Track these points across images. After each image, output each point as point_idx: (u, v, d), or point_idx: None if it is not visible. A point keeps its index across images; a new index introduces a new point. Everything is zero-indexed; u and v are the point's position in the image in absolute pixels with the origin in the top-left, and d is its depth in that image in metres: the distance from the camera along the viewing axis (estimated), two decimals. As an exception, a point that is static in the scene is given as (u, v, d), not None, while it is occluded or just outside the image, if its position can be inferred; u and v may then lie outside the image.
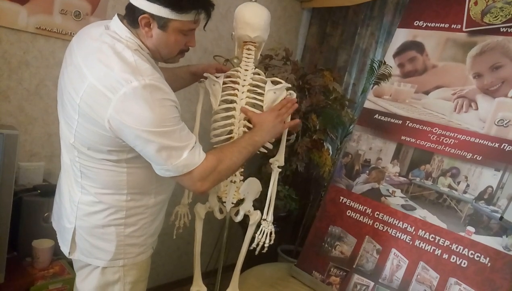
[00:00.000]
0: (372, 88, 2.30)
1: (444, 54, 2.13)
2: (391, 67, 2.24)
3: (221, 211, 1.56)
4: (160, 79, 1.11)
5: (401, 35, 2.28)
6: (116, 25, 1.16)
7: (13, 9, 1.69)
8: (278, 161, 1.59)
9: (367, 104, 2.28)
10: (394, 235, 1.96)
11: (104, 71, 1.06)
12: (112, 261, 1.26)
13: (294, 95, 1.46)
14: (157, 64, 1.24)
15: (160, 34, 1.14)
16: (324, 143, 2.53)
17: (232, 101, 1.44)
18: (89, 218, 1.24)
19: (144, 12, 1.10)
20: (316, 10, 3.03)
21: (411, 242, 1.91)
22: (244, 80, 1.43)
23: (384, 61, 2.26)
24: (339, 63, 2.85)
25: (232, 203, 1.51)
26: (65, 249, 1.31)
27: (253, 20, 1.37)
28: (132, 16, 1.14)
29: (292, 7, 3.00)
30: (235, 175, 1.50)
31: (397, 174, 2.07)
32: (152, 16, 1.10)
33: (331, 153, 2.57)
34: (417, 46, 2.21)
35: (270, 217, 1.59)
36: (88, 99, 1.08)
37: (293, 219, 2.79)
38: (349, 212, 2.14)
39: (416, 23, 2.24)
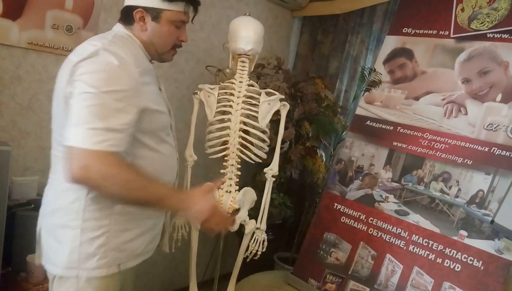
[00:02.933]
0: (363, 95, 2.33)
1: (433, 60, 2.17)
2: (381, 74, 2.27)
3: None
4: (119, 49, 1.10)
5: (391, 42, 2.32)
6: (112, 28, 1.25)
7: (4, 24, 1.69)
8: (272, 169, 1.61)
9: (359, 111, 2.31)
10: (388, 240, 1.98)
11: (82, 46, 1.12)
12: (66, 269, 1.12)
13: (288, 106, 1.48)
14: (151, 63, 1.27)
15: (154, 26, 1.20)
16: (318, 150, 2.55)
17: (227, 113, 1.46)
18: (51, 215, 1.17)
19: (137, 6, 1.18)
20: (307, 18, 3.07)
21: (405, 247, 1.93)
22: (239, 91, 1.45)
23: (374, 68, 2.29)
24: (331, 70, 2.88)
25: (228, 213, 1.52)
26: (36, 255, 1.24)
27: (247, 33, 1.40)
28: (126, 16, 1.21)
29: (283, 16, 3.03)
30: (231, 185, 1.51)
31: (390, 180, 2.10)
32: (146, 9, 1.18)
33: (324, 159, 2.59)
34: (406, 53, 2.24)
35: (264, 226, 1.60)
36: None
37: (289, 226, 2.80)
38: (343, 218, 2.15)
39: (405, 30, 2.28)
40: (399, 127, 2.14)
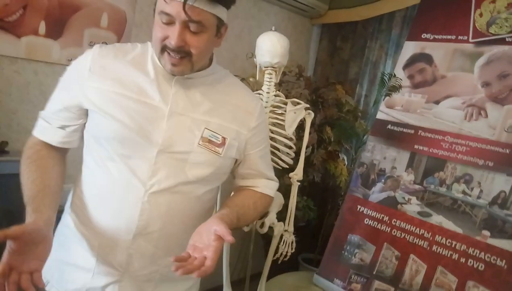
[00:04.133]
0: (383, 99, 2.39)
1: (452, 65, 2.22)
2: (401, 79, 2.33)
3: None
4: (106, 50, 1.01)
5: (410, 48, 2.37)
6: None
7: (47, 44, 1.83)
8: (297, 174, 1.69)
9: (380, 115, 2.37)
10: (411, 241, 2.04)
11: None
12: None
13: (312, 115, 1.57)
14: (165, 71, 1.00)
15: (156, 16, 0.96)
16: (339, 154, 2.62)
17: (254, 122, 1.55)
18: None
19: None
20: (326, 25, 3.15)
21: (428, 248, 1.98)
22: (266, 102, 1.54)
23: (394, 74, 2.35)
24: (350, 75, 2.95)
25: (257, 216, 1.61)
26: None
27: (273, 47, 1.49)
28: None
29: (303, 24, 3.12)
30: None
31: (412, 182, 2.15)
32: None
33: (346, 163, 2.66)
34: (426, 58, 2.30)
35: (291, 228, 1.69)
36: None
37: (312, 228, 2.87)
38: (366, 220, 2.22)
39: (424, 35, 2.33)
40: (420, 131, 2.19)
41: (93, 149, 1.02)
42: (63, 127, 1.03)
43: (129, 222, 0.98)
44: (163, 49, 0.94)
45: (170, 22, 0.91)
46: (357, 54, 2.93)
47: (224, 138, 1.01)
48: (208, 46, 0.96)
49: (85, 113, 1.02)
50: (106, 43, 2.05)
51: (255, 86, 2.50)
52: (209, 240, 0.86)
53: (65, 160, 1.08)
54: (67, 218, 1.07)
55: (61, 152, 1.06)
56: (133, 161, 0.97)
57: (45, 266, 0.93)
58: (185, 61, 0.94)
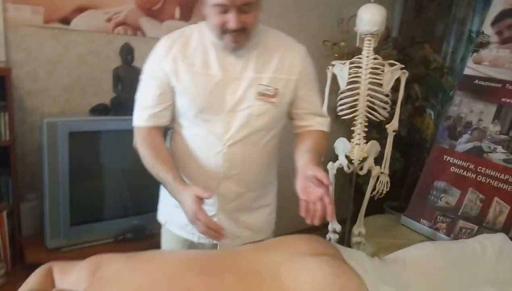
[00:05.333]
0: (471, 56, 2.53)
1: (543, 19, 2.29)
2: (489, 36, 2.45)
3: (348, 167, 2.01)
4: (177, 36, 1.21)
5: (498, 4, 2.46)
6: None
7: (181, 26, 2.24)
8: (392, 125, 1.99)
9: (467, 71, 2.53)
10: (496, 186, 2.25)
11: None
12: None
13: (407, 74, 1.85)
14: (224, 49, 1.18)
15: (205, 10, 1.13)
16: (426, 110, 2.82)
17: (356, 82, 1.86)
18: None
19: None
20: (411, -15, 3.25)
21: (512, 191, 2.18)
22: (367, 64, 1.84)
23: (482, 31, 2.47)
24: (437, 33, 3.07)
25: (359, 160, 1.95)
26: None
27: (373, 17, 1.77)
28: None
29: (388, -15, 3.25)
30: (359, 139, 1.93)
31: (498, 133, 2.32)
32: None
33: (433, 117, 2.85)
34: (516, 14, 2.38)
35: (387, 170, 2.01)
36: None
37: (397, 179, 3.13)
38: (452, 168, 2.45)
39: (514, -9, 2.40)
40: (507, 84, 2.33)
41: (181, 119, 1.25)
42: (164, 109, 1.23)
43: (215, 169, 1.22)
44: (224, 32, 1.10)
45: (224, 10, 1.07)
46: (443, 12, 3.02)
47: (275, 89, 1.20)
48: (258, 17, 1.14)
49: (173, 92, 1.22)
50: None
51: (346, 50, 2.78)
52: (313, 183, 1.04)
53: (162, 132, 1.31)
54: None
55: (161, 130, 1.28)
56: (210, 123, 1.20)
57: (162, 210, 1.37)
58: (243, 37, 1.13)
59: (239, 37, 1.12)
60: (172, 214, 1.32)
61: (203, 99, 1.18)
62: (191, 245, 1.34)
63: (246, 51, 1.19)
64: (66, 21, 1.97)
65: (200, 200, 1.06)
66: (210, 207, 1.24)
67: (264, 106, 1.20)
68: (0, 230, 1.79)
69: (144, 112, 1.23)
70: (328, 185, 1.01)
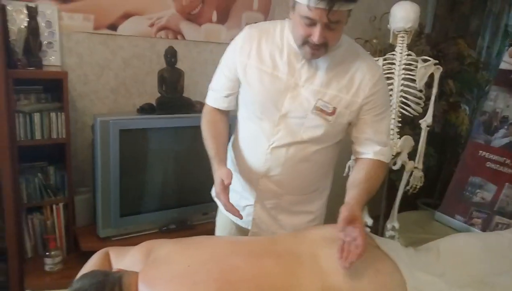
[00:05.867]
0: (507, 50, 2.50)
1: None
2: (526, 29, 2.42)
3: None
4: (258, 29, 1.24)
5: (537, -3, 2.43)
6: None
7: (218, 28, 2.39)
8: (426, 121, 2.02)
9: (503, 66, 2.50)
10: (533, 180, 2.23)
11: None
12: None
13: (440, 69, 1.87)
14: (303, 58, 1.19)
15: (291, 16, 1.13)
16: (461, 105, 2.81)
17: (390, 78, 1.91)
18: None
19: None
20: (444, -20, 3.23)
21: (551, 186, 2.16)
22: (400, 60, 1.88)
23: (519, 24, 2.45)
24: (471, 28, 3.03)
25: (392, 155, 1.99)
26: None
27: (407, 14, 1.81)
28: None
29: (420, -19, 3.25)
30: (393, 134, 1.96)
31: (536, 127, 2.30)
32: None
33: (468, 112, 2.84)
34: (554, 6, 2.34)
35: (420, 165, 2.04)
36: None
37: (432, 175, 3.12)
38: (488, 164, 2.44)
39: (552, -16, 2.37)
40: (545, 78, 2.30)
41: (242, 109, 1.32)
42: (227, 95, 1.31)
43: (257, 166, 1.28)
44: (304, 43, 1.11)
45: (312, 24, 1.06)
46: (478, 7, 2.99)
47: (334, 108, 1.18)
48: (341, 33, 1.13)
49: (239, 82, 1.27)
50: (256, 22, 2.55)
51: (378, 47, 2.80)
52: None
53: (228, 117, 1.39)
54: (229, 153, 1.38)
55: (226, 113, 1.37)
56: (263, 122, 1.24)
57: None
58: (322, 51, 1.12)
59: (319, 51, 1.12)
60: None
61: (263, 99, 1.22)
62: (238, 229, 1.43)
63: (319, 60, 1.18)
64: (113, 27, 2.12)
65: (224, 183, 1.16)
66: (250, 196, 1.34)
67: (318, 121, 1.20)
68: (57, 220, 1.96)
69: (211, 94, 1.35)
70: (360, 228, 1.03)
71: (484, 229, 2.34)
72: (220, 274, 1.00)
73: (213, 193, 1.35)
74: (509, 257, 1.39)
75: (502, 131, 2.43)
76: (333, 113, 1.18)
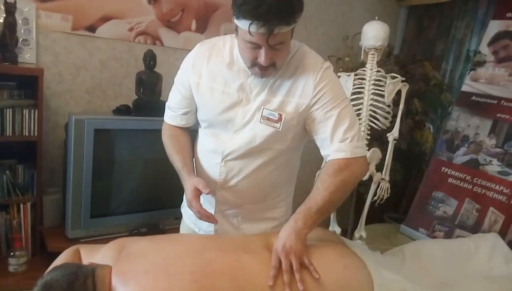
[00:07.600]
0: (468, 74, 2.68)
1: (536, 41, 2.44)
2: (485, 55, 2.60)
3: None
4: (207, 50, 1.25)
5: (495, 26, 2.63)
6: None
7: (197, 37, 2.45)
8: (393, 134, 2.12)
9: (465, 88, 2.67)
10: (491, 196, 2.36)
11: None
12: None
13: (407, 86, 1.99)
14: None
15: (236, 38, 1.15)
16: (426, 124, 2.96)
17: (360, 93, 2.00)
18: None
19: None
20: (413, 7, 3.43)
21: (507, 201, 2.30)
22: (370, 76, 1.98)
23: (479, 50, 2.63)
24: (436, 52, 3.22)
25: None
26: None
27: (377, 33, 1.92)
28: None
29: (391, 6, 3.43)
30: (362, 146, 2.05)
31: (494, 146, 2.45)
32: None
33: (432, 131, 2.99)
34: (510, 35, 2.54)
35: (387, 177, 2.13)
36: None
37: (398, 190, 3.24)
38: (450, 179, 2.57)
39: (509, 14, 2.57)
40: (502, 101, 2.47)
41: (199, 123, 1.35)
42: (185, 113, 1.33)
43: (213, 178, 1.29)
44: (253, 65, 1.13)
45: (257, 47, 1.08)
46: (443, 33, 3.19)
47: (280, 115, 1.19)
48: (288, 50, 1.16)
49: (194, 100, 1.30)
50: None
51: (350, 65, 2.93)
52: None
53: (189, 130, 1.40)
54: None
55: (187, 128, 1.39)
56: (218, 136, 1.27)
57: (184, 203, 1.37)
58: (271, 69, 1.15)
59: (267, 71, 1.14)
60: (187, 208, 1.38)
61: (215, 115, 1.25)
62: None
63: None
64: (92, 29, 2.12)
65: (198, 191, 1.19)
66: (210, 207, 1.33)
67: (267, 130, 1.21)
68: (24, 220, 1.90)
69: (168, 112, 1.37)
70: (277, 262, 1.07)
71: (445, 241, 2.45)
72: (196, 266, 1.02)
73: (183, 204, 1.37)
74: (467, 263, 1.48)
75: (463, 149, 2.58)
76: (279, 120, 1.19)
